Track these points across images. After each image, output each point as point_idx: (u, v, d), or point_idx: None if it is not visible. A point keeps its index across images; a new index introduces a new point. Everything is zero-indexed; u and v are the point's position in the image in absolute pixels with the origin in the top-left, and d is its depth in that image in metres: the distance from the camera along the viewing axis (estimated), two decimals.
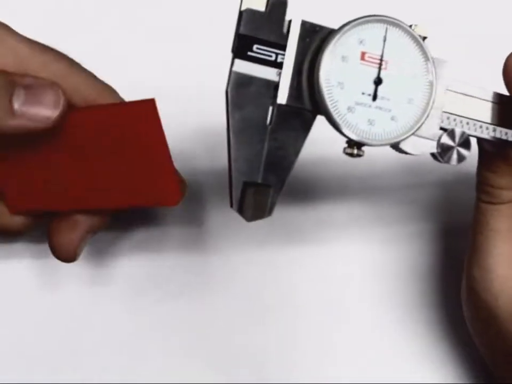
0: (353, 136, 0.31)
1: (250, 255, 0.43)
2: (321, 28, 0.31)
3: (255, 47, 0.30)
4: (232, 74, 0.30)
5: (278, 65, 0.31)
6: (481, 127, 0.34)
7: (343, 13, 0.32)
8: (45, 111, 0.31)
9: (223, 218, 0.43)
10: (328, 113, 0.31)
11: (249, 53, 0.30)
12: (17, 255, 0.42)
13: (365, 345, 0.43)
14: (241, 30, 0.30)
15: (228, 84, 0.30)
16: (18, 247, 0.42)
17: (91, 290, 0.42)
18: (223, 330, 0.43)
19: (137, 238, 0.43)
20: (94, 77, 0.34)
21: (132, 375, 0.42)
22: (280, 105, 0.31)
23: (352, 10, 0.33)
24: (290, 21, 0.31)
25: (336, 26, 0.32)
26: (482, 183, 0.37)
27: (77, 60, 0.34)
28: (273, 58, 0.30)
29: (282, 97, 0.31)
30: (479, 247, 0.37)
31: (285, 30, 0.31)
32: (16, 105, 0.31)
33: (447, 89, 0.33)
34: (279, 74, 0.30)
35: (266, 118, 0.30)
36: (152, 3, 0.45)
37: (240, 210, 0.30)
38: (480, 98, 0.34)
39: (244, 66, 0.30)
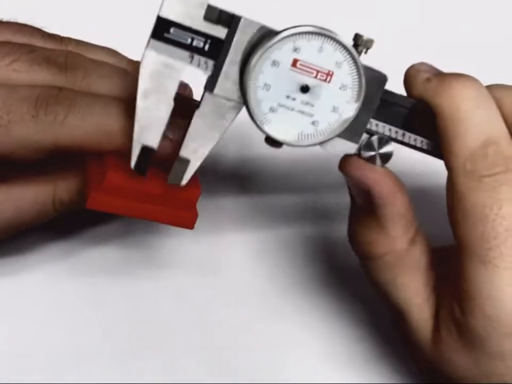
0: (270, 134, 0.34)
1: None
2: (261, 27, 0.33)
3: (172, 29, 0.32)
4: (147, 51, 0.32)
5: (193, 49, 0.33)
6: (396, 132, 0.36)
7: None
8: None
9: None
10: (250, 110, 0.34)
11: (166, 35, 0.32)
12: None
13: (363, 345, 0.46)
14: (161, 13, 0.32)
15: (142, 59, 0.32)
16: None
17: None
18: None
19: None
20: None
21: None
22: (210, 93, 0.34)
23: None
24: (233, 16, 0.33)
25: (278, 27, 0.33)
26: (354, 241, 0.38)
27: None
28: (188, 41, 0.33)
29: (213, 87, 0.34)
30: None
31: (203, 16, 0.32)
32: None
33: None
34: (192, 57, 0.33)
35: (170, 96, 0.33)
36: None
37: (136, 168, 0.34)
38: (399, 105, 0.36)
39: (159, 47, 0.33)
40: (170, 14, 0.32)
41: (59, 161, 0.37)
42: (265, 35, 0.33)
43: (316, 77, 0.34)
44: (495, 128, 0.35)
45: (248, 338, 0.45)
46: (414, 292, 0.37)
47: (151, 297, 0.44)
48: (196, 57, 0.33)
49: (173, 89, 0.33)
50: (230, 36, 0.33)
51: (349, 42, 0.33)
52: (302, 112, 0.34)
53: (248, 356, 0.44)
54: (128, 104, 0.35)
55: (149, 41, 0.33)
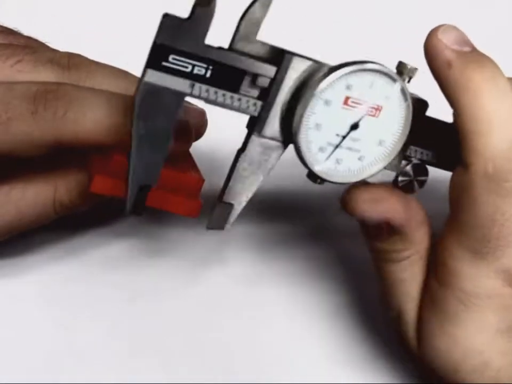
0: (318, 174, 0.33)
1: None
2: (313, 64, 0.31)
3: (171, 57, 0.29)
4: (142, 85, 0.29)
5: (193, 77, 0.29)
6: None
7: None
8: None
9: None
10: (300, 151, 0.32)
11: (164, 63, 0.29)
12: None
13: (361, 344, 0.45)
14: (159, 39, 0.28)
15: (137, 92, 0.29)
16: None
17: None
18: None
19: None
20: None
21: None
22: (258, 135, 0.32)
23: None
24: (283, 51, 0.31)
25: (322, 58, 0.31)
26: (375, 249, 0.38)
27: None
28: (189, 69, 0.29)
29: (261, 129, 0.32)
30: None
31: (206, 41, 0.29)
32: None
33: None
34: (193, 86, 0.30)
35: (169, 130, 0.30)
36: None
37: (133, 211, 0.31)
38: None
39: (156, 77, 0.29)
40: (170, 40, 0.28)
41: (59, 162, 0.37)
42: (314, 71, 0.31)
43: (366, 113, 0.32)
44: None
45: (248, 336, 0.44)
46: (417, 289, 0.38)
47: (152, 296, 0.44)
48: (197, 85, 0.30)
49: (172, 123, 0.30)
50: (281, 74, 0.31)
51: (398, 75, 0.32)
52: (350, 148, 0.33)
53: (249, 353, 0.44)
54: (130, 99, 0.33)
55: (144, 72, 0.29)
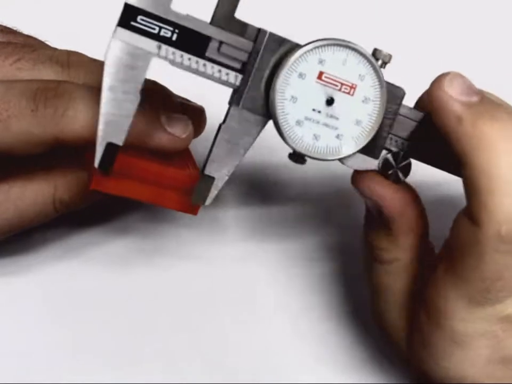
0: (297, 148, 0.34)
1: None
2: (286, 41, 0.34)
3: (139, 18, 0.32)
4: (112, 42, 0.31)
5: (160, 39, 0.32)
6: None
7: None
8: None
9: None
10: (277, 123, 0.34)
11: (133, 23, 0.32)
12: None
13: (358, 344, 0.45)
14: (129, 0, 0.31)
15: (108, 49, 0.31)
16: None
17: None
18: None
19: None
20: None
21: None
22: (236, 106, 0.34)
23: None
24: (259, 30, 0.33)
25: (301, 41, 0.34)
26: (366, 240, 0.38)
27: None
28: (156, 31, 0.32)
29: (239, 101, 0.34)
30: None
31: (171, 5, 0.32)
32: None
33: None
34: (159, 47, 0.32)
35: (136, 88, 0.32)
36: None
37: (101, 167, 0.33)
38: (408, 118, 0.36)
39: (126, 36, 0.32)
40: (138, 2, 0.31)
41: (59, 160, 0.37)
42: (290, 48, 0.34)
43: (340, 89, 0.34)
44: None
45: (245, 337, 0.45)
46: (402, 301, 0.37)
47: (152, 294, 0.44)
48: (164, 47, 0.32)
49: (140, 81, 0.32)
50: (256, 49, 0.33)
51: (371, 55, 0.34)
52: (327, 125, 0.34)
53: (247, 354, 0.44)
54: None
55: (115, 30, 0.31)
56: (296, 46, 0.34)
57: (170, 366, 0.43)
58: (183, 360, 0.43)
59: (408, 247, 0.37)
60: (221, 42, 0.33)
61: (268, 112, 0.34)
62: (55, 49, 0.38)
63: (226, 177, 0.34)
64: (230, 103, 0.34)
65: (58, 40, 0.40)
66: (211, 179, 0.34)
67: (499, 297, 0.34)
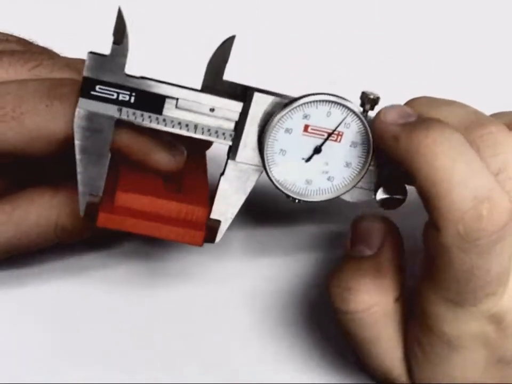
0: (291, 194, 0.38)
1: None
2: (274, 99, 0.36)
3: (97, 87, 0.35)
4: (77, 112, 0.34)
5: (119, 103, 0.35)
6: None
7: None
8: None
9: None
10: (269, 174, 0.37)
11: (93, 93, 0.35)
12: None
13: None
14: (85, 73, 0.34)
15: (75, 118, 0.34)
16: None
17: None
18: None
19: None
20: None
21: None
22: (233, 160, 0.37)
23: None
24: (246, 89, 0.36)
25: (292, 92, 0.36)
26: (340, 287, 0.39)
27: None
28: (114, 96, 0.35)
29: (235, 155, 0.37)
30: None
31: (125, 72, 0.34)
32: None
33: None
34: (120, 110, 0.35)
35: (105, 147, 0.35)
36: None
37: (86, 216, 0.36)
38: None
39: (87, 104, 0.35)
40: (94, 73, 0.34)
41: (65, 186, 0.38)
42: (278, 104, 0.36)
43: (327, 138, 0.36)
44: (481, 181, 0.32)
45: (245, 354, 0.46)
46: (391, 346, 0.39)
47: (154, 307, 0.45)
48: (124, 109, 0.35)
49: (108, 141, 0.35)
50: (246, 108, 0.36)
51: (355, 104, 0.36)
52: (318, 170, 0.37)
53: (247, 370, 0.46)
54: None
55: (79, 101, 0.34)
56: (282, 102, 0.36)
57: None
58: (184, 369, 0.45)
59: (392, 286, 0.38)
60: (177, 99, 0.36)
61: (261, 162, 0.37)
62: (72, 58, 0.39)
63: (231, 219, 0.38)
64: (228, 156, 0.37)
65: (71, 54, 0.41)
66: (217, 222, 0.38)
67: (477, 296, 0.35)
